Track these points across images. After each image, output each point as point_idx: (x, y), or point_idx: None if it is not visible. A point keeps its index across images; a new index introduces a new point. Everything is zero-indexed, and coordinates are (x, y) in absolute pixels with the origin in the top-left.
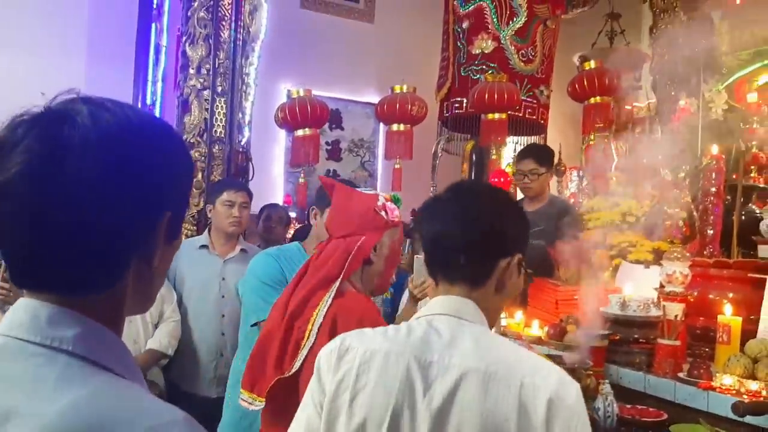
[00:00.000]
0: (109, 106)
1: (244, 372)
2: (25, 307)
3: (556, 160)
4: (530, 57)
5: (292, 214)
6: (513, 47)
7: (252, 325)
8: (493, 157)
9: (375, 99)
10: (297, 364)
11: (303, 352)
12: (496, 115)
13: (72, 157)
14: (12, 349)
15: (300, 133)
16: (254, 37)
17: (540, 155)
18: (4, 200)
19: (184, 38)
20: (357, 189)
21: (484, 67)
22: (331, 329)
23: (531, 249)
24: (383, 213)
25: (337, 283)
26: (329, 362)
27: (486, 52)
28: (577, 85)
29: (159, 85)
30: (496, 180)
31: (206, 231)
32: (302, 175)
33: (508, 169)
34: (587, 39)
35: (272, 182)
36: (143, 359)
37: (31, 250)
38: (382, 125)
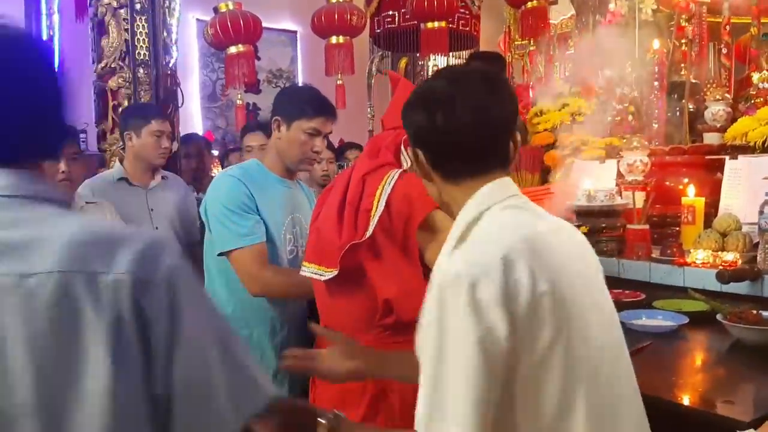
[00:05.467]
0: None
1: (308, 250)
2: None
3: None
4: None
5: (215, 152)
6: None
7: (218, 255)
8: (434, 67)
9: (291, 26)
10: (370, 230)
11: (374, 219)
12: (436, 24)
13: None
14: None
15: (233, 50)
16: None
17: (489, 58)
18: None
19: None
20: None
21: None
22: (405, 201)
23: None
24: None
25: (404, 166)
26: (497, 277)
27: None
28: None
29: (55, 17)
30: None
31: (117, 162)
32: (239, 96)
33: None
34: None
35: (189, 120)
36: None
37: None
38: (300, 54)
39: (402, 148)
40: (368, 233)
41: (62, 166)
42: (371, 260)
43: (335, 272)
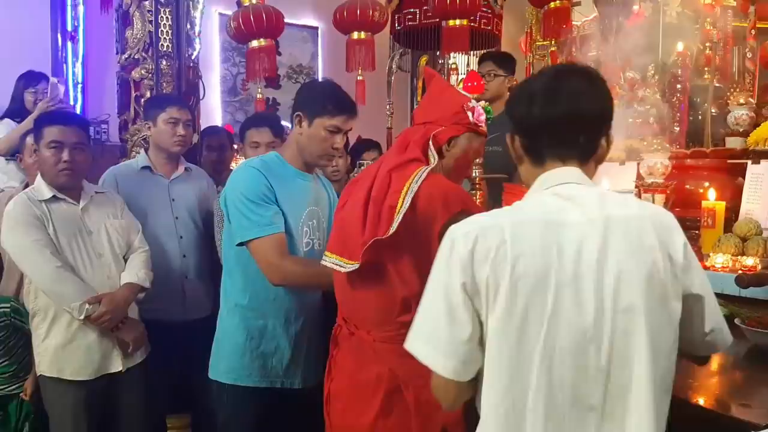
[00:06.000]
0: None
1: (331, 241)
2: None
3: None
4: None
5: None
6: None
7: (238, 245)
8: (453, 65)
9: (313, 22)
10: (393, 227)
11: (398, 217)
12: (458, 22)
13: None
14: None
15: (255, 44)
16: None
17: (500, 58)
18: None
19: None
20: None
21: None
22: (429, 201)
23: (489, 156)
24: (470, 113)
25: (432, 166)
26: (469, 241)
27: None
28: None
29: (80, 8)
30: (470, 84)
31: (143, 151)
32: (259, 90)
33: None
34: None
35: (209, 114)
36: (123, 295)
37: None
38: (321, 50)
39: (430, 143)
40: (392, 230)
41: (65, 155)
42: (393, 257)
43: (356, 265)
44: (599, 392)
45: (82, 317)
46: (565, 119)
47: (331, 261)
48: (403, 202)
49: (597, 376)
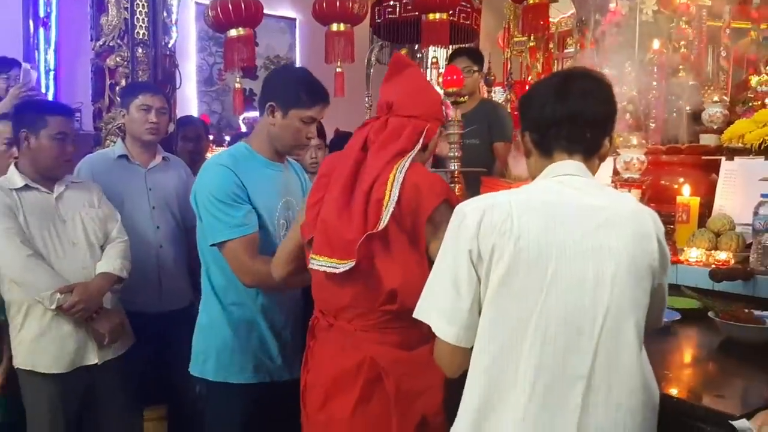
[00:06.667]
0: None
1: (316, 243)
2: None
3: (486, 69)
4: None
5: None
6: None
7: (211, 245)
8: (433, 59)
9: (291, 13)
10: (384, 221)
11: (388, 209)
12: (437, 16)
13: None
14: None
15: (233, 33)
16: None
17: (473, 54)
18: None
19: None
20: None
21: None
22: (414, 191)
23: (467, 148)
24: (444, 108)
25: (414, 153)
26: (477, 214)
27: None
28: None
29: None
30: (450, 77)
31: (120, 140)
32: (237, 80)
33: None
34: None
35: (185, 103)
36: (97, 285)
37: None
38: (298, 41)
39: (421, 139)
40: (382, 224)
41: (69, 146)
42: (379, 249)
43: (351, 264)
44: (588, 362)
45: (53, 307)
46: (573, 117)
47: (320, 263)
48: (390, 194)
49: (588, 346)
